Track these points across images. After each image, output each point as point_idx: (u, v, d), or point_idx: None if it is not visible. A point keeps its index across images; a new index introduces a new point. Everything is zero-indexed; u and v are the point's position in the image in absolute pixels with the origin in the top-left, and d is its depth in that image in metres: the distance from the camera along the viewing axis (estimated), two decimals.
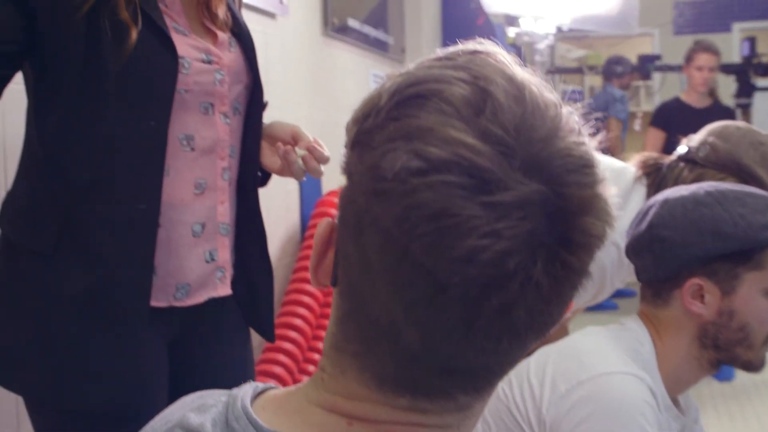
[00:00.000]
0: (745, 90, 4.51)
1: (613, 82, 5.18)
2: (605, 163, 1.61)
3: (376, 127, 0.50)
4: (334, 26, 2.93)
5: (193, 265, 1.12)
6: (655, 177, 1.48)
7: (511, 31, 3.10)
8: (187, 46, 1.08)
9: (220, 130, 1.14)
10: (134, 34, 1.01)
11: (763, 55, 4.64)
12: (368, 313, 0.51)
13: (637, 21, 3.02)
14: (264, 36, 2.44)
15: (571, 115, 0.51)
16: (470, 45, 0.54)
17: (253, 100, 1.22)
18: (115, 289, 1.04)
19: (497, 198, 0.45)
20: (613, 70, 5.21)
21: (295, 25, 2.65)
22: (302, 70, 2.73)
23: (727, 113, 4.14)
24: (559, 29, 3.12)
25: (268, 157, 1.24)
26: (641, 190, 1.49)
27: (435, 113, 0.48)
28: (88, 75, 1.01)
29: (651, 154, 1.55)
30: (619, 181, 1.48)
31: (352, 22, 3.09)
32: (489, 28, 3.88)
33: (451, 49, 0.54)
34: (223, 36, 1.17)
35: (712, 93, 4.12)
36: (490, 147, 0.46)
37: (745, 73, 4.56)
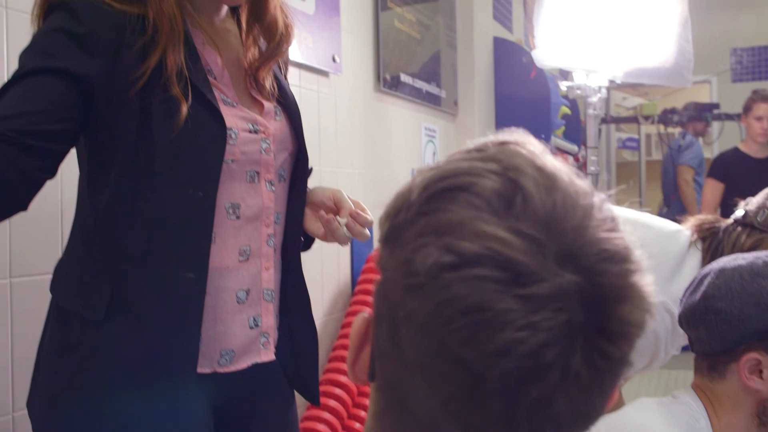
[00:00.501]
0: None
1: (688, 129, 5.11)
2: (658, 226, 1.58)
3: (407, 222, 0.50)
4: (387, 82, 2.96)
5: (237, 331, 1.14)
6: (711, 241, 1.44)
7: (564, 85, 3.08)
8: (234, 117, 1.11)
9: (266, 198, 1.16)
10: (185, 109, 1.03)
11: None
12: (407, 409, 0.51)
13: (691, 73, 2.97)
14: (317, 94, 2.49)
15: (604, 203, 0.50)
16: (500, 135, 0.54)
17: (298, 167, 1.24)
18: (163, 355, 1.05)
19: (532, 290, 0.45)
20: (669, 119, 5.14)
21: (347, 82, 2.70)
22: (355, 126, 2.77)
23: None
24: (612, 82, 3.07)
25: (312, 223, 1.25)
26: (696, 255, 1.45)
27: (466, 207, 0.48)
28: (139, 148, 1.04)
29: (707, 217, 1.52)
30: (673, 245, 1.45)
31: (405, 77, 3.12)
32: (542, 82, 3.89)
33: (481, 139, 0.54)
34: (269, 105, 1.19)
35: None
36: (522, 240, 0.46)
37: None
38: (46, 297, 1.14)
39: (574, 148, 4.73)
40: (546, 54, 2.99)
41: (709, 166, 4.23)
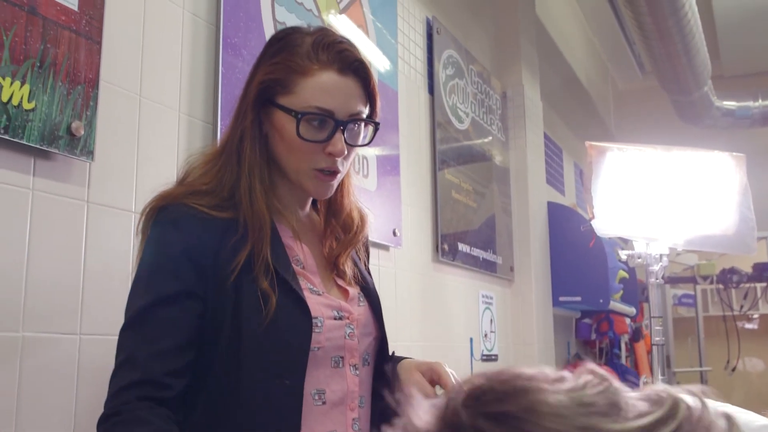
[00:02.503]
0: None
1: None
2: (743, 419, 1.47)
3: None
4: (445, 252, 2.96)
5: None
6: None
7: (624, 254, 3.04)
8: (320, 305, 1.13)
9: (350, 382, 1.16)
10: (274, 302, 1.07)
11: None
12: None
13: (755, 241, 2.91)
14: (377, 268, 2.49)
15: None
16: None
17: (381, 350, 1.25)
18: None
19: None
20: (728, 279, 5.03)
21: (407, 254, 2.70)
22: (414, 297, 2.74)
23: None
24: (673, 250, 3.03)
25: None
26: None
27: None
28: (231, 339, 1.07)
29: None
30: None
31: (462, 246, 3.12)
32: (599, 247, 3.85)
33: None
34: (354, 291, 1.23)
35: None
36: None
37: None
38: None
39: (631, 310, 4.62)
40: (605, 223, 2.98)
41: None
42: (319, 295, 1.15)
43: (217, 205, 1.13)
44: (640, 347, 5.52)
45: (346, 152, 1.14)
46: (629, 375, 4.96)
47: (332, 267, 1.24)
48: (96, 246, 1.47)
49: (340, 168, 1.16)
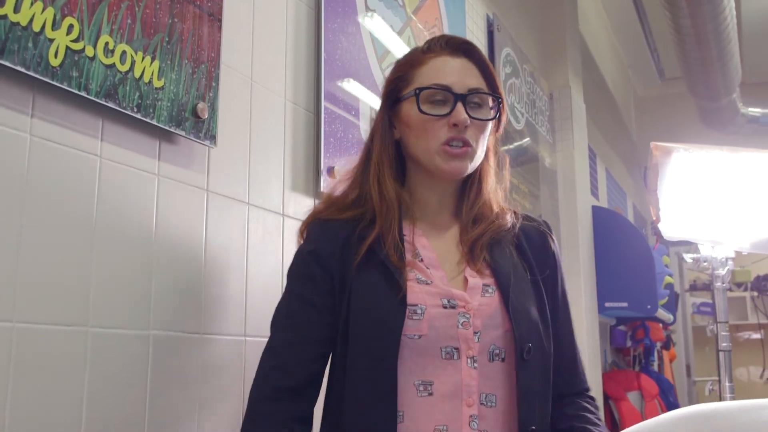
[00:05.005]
0: None
1: None
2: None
3: None
4: None
5: None
6: None
7: (688, 258, 2.96)
8: (423, 293, 1.12)
9: (465, 375, 1.10)
10: (405, 275, 1.13)
11: None
12: None
13: None
14: None
15: None
16: None
17: (519, 350, 1.13)
18: None
19: None
20: (763, 287, 4.96)
21: None
22: None
23: None
24: (739, 253, 2.95)
25: None
26: None
27: None
28: (345, 325, 1.14)
29: None
30: None
31: None
32: (647, 256, 3.78)
33: None
34: (476, 282, 1.17)
35: None
36: None
37: None
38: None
39: (669, 317, 4.53)
40: (670, 226, 2.89)
41: None
42: (426, 284, 1.14)
43: (346, 206, 1.21)
44: (665, 356, 5.45)
45: (469, 122, 1.16)
46: (663, 383, 4.88)
47: (468, 259, 1.20)
48: (215, 239, 1.36)
49: (471, 141, 1.17)
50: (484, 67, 1.22)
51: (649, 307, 3.82)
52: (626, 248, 3.84)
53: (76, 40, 1.06)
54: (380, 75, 1.93)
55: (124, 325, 1.15)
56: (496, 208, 1.25)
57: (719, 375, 2.95)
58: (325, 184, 1.69)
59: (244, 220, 1.45)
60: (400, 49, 2.06)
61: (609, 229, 3.93)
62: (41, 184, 1.03)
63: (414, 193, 1.23)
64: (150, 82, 1.20)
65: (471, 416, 1.08)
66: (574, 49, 3.96)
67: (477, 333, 1.12)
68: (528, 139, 3.30)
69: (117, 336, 1.13)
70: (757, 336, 6.35)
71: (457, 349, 1.10)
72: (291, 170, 1.61)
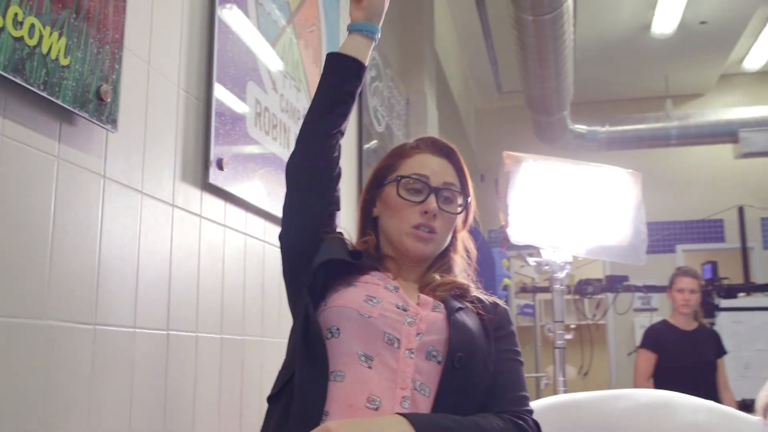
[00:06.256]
0: (709, 311, 4.75)
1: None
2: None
3: None
4: None
5: None
6: None
7: (532, 261, 3.18)
8: (386, 292, 1.24)
9: (401, 363, 1.17)
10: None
11: (723, 279, 4.95)
12: None
13: (645, 252, 3.15)
14: None
15: None
16: None
17: (451, 353, 1.20)
18: None
19: None
20: (584, 290, 5.38)
21: None
22: None
23: (713, 336, 4.29)
24: (576, 258, 3.21)
25: None
26: None
27: None
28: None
29: None
30: None
31: None
32: (489, 259, 3.99)
33: None
34: (427, 299, 1.28)
35: (696, 316, 4.28)
36: None
37: (708, 294, 4.82)
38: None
39: None
40: (518, 231, 3.09)
41: (642, 337, 4.40)
42: (389, 291, 1.24)
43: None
44: None
45: (437, 212, 1.31)
46: None
47: (425, 292, 1.31)
48: (110, 229, 1.31)
49: (437, 229, 1.32)
50: (460, 169, 1.40)
51: None
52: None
53: None
54: (274, 62, 1.93)
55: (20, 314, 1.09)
56: (460, 279, 1.37)
57: (554, 370, 3.19)
58: (214, 176, 1.67)
59: (138, 209, 1.40)
60: (287, 38, 2.06)
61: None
62: None
63: (385, 264, 1.37)
64: (57, 59, 1.14)
65: (403, 397, 1.14)
66: (431, 56, 4.11)
67: (419, 334, 1.20)
68: (388, 143, 3.39)
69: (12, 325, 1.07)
70: (569, 336, 6.88)
71: (398, 339, 1.18)
72: (182, 161, 1.57)
